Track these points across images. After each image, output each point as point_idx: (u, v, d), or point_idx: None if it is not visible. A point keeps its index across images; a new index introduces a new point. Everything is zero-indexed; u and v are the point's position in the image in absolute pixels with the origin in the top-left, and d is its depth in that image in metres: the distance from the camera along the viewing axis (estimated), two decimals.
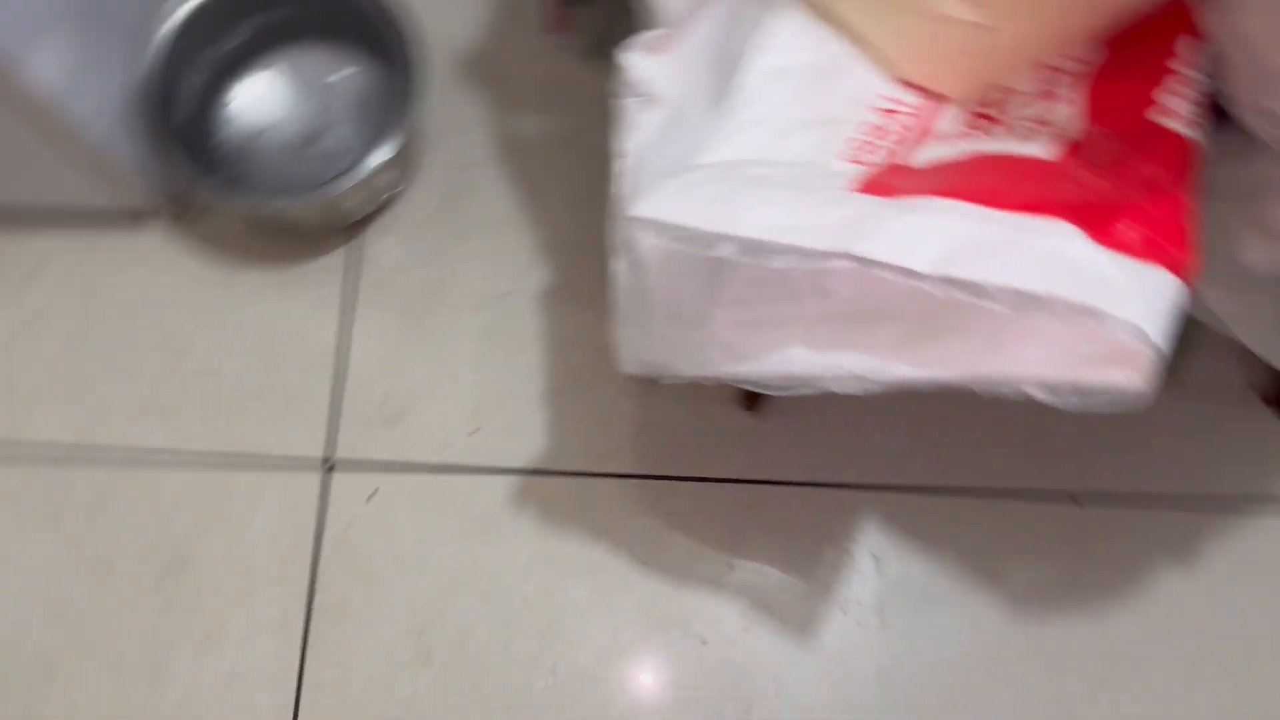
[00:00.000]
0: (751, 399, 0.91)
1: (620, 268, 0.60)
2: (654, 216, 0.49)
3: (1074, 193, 0.47)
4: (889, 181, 0.49)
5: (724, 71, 0.55)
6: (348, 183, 0.88)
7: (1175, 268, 0.45)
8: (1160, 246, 0.45)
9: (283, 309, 0.96)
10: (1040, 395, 0.48)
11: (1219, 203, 0.54)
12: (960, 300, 0.45)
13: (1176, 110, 0.50)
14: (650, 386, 0.93)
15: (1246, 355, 0.89)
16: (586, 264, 0.95)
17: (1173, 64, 0.53)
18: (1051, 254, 0.44)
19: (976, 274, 0.44)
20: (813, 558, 0.89)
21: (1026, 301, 0.44)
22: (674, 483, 0.91)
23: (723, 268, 0.54)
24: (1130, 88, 0.51)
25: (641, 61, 0.58)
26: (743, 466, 0.91)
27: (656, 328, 0.60)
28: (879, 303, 0.51)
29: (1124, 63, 0.54)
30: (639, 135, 0.59)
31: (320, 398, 0.94)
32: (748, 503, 0.90)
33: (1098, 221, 0.45)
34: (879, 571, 0.89)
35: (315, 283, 0.97)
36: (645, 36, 0.58)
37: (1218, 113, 0.54)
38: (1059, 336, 0.46)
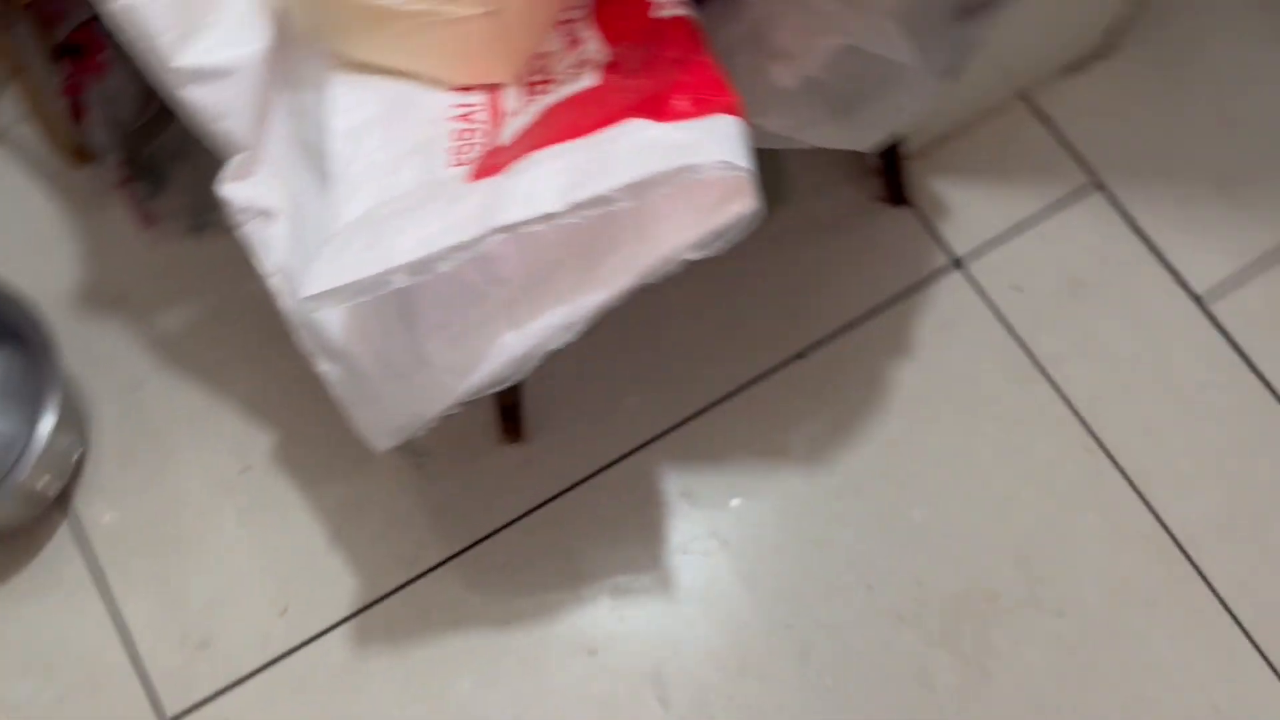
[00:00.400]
0: (511, 431, 0.96)
1: (324, 366, 0.63)
2: (321, 289, 0.53)
3: (628, 98, 0.56)
4: (493, 162, 0.56)
5: (313, 157, 0.60)
6: (28, 464, 0.85)
7: (728, 110, 0.55)
8: (708, 101, 0.55)
9: (38, 614, 0.91)
10: (695, 255, 0.56)
11: (739, 56, 0.66)
12: (597, 216, 0.52)
13: (667, 1, 0.61)
14: (420, 471, 0.95)
15: (852, 177, 1.05)
16: (295, 403, 0.96)
17: None
18: (636, 146, 0.53)
19: (594, 189, 0.51)
20: (637, 527, 0.95)
21: (640, 189, 0.52)
22: (487, 542, 0.94)
23: (408, 305, 0.58)
24: (624, 5, 0.61)
25: (239, 189, 0.62)
26: (536, 492, 0.96)
27: (385, 393, 0.63)
28: (544, 259, 0.58)
29: None
30: (274, 250, 0.62)
31: (123, 671, 0.89)
32: (559, 519, 0.95)
33: (655, 107, 0.54)
34: (694, 504, 0.96)
35: (54, 572, 0.92)
36: (230, 166, 0.62)
37: None
38: (679, 203, 0.55)
